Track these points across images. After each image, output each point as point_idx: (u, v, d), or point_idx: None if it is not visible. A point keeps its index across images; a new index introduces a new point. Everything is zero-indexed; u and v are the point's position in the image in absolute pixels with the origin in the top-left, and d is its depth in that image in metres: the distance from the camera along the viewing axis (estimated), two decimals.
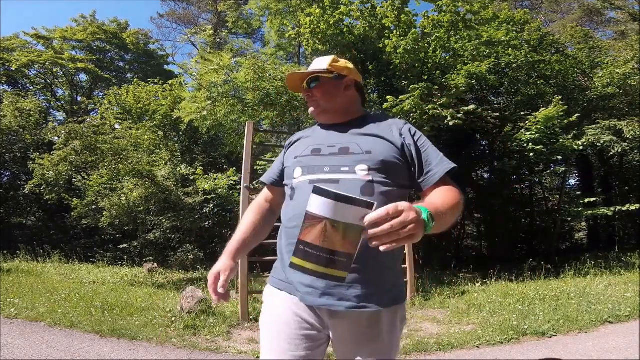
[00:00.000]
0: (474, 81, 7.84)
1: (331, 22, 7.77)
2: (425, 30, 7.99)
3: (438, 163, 1.12)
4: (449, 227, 0.97)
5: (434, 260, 9.34)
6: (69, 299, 4.80)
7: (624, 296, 4.62)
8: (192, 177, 9.85)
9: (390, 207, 0.78)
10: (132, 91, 11.04)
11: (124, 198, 10.10)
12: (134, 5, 34.86)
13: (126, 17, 28.84)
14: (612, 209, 7.99)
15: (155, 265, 9.81)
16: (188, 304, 4.11)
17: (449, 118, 6.82)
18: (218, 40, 17.11)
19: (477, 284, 6.02)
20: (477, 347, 3.36)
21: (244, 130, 5.13)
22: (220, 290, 1.07)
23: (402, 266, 5.19)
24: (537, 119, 7.37)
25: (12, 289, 5.36)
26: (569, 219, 9.85)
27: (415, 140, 1.17)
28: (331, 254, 0.83)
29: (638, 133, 7.75)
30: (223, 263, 1.13)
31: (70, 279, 7.56)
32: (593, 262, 7.06)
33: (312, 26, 7.84)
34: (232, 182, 9.23)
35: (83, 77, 18.76)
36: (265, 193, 1.37)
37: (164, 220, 10.38)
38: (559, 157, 8.05)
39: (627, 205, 7.98)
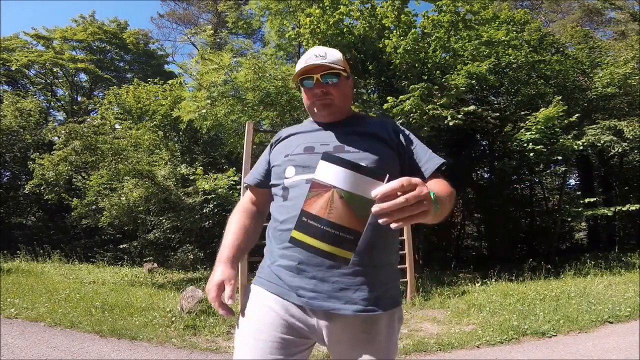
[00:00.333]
0: (474, 81, 7.84)
1: (331, 22, 7.77)
2: (425, 30, 7.99)
3: (428, 159, 1.13)
4: (445, 216, 0.95)
5: (434, 260, 9.34)
6: (69, 299, 4.80)
7: (624, 296, 4.62)
8: (192, 177, 9.84)
9: (403, 180, 0.73)
10: (132, 91, 11.04)
11: (124, 198, 10.10)
12: (134, 5, 34.91)
13: (126, 17, 28.91)
14: (612, 209, 7.99)
15: (155, 265, 9.82)
16: (188, 304, 4.11)
17: (449, 118, 6.83)
18: (218, 40, 17.12)
19: (477, 284, 6.02)
20: (477, 347, 3.36)
21: (244, 130, 5.13)
22: (229, 302, 0.98)
23: (402, 266, 5.21)
24: (537, 119, 7.37)
25: (12, 289, 5.36)
26: (569, 219, 9.85)
27: (406, 138, 1.17)
28: (337, 229, 0.76)
29: (638, 133, 7.75)
30: (224, 272, 1.04)
31: (70, 279, 7.56)
32: (593, 262, 7.07)
33: (312, 26, 7.84)
34: (232, 182, 9.23)
35: (83, 77, 18.79)
36: (249, 195, 1.28)
37: (164, 220, 10.38)
38: (559, 157, 8.05)
39: (627, 206, 7.98)
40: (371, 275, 1.00)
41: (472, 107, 7.40)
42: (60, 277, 7.69)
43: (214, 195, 9.30)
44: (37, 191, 9.48)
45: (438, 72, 7.95)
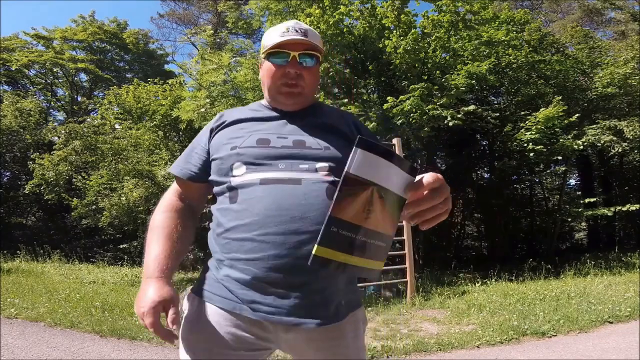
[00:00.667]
0: (474, 81, 7.84)
1: (331, 23, 7.77)
2: (425, 30, 7.99)
3: None
4: None
5: (434, 260, 9.33)
6: (69, 299, 4.80)
7: (624, 296, 4.62)
8: None
9: (435, 175, 0.66)
10: (132, 91, 11.04)
11: (124, 198, 10.10)
12: (134, 5, 34.95)
13: (126, 17, 28.93)
14: (612, 209, 7.99)
15: None
16: None
17: (449, 118, 6.83)
18: (218, 40, 17.10)
19: (477, 284, 6.02)
20: (477, 347, 3.35)
21: None
22: (174, 328, 0.84)
23: (403, 266, 5.22)
24: (537, 119, 7.37)
25: (12, 289, 5.36)
26: (569, 219, 9.87)
27: (363, 134, 1.04)
28: (373, 237, 0.62)
29: (638, 133, 7.76)
30: (160, 290, 0.84)
31: (70, 279, 7.56)
32: (593, 262, 7.06)
33: (312, 26, 7.84)
34: None
35: (83, 77, 18.79)
36: (177, 190, 1.05)
37: None
38: (559, 157, 8.06)
39: (627, 206, 7.98)
40: (333, 283, 0.89)
41: (472, 107, 7.40)
42: (60, 277, 7.68)
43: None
44: (37, 191, 9.49)
45: (438, 72, 7.95)
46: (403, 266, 5.21)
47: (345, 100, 8.30)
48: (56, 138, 12.08)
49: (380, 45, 7.88)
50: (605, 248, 10.31)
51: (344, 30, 8.19)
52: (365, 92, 8.96)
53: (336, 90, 9.12)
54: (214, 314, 0.91)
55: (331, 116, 1.04)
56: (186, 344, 0.95)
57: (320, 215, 0.83)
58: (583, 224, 13.43)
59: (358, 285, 1.06)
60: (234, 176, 0.92)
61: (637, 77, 8.46)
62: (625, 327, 3.76)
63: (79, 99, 18.37)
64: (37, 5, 32.26)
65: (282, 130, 0.97)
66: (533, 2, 16.37)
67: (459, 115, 6.91)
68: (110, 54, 19.11)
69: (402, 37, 7.54)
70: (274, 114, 1.01)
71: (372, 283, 5.43)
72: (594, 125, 8.06)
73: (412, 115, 6.95)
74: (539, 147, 7.28)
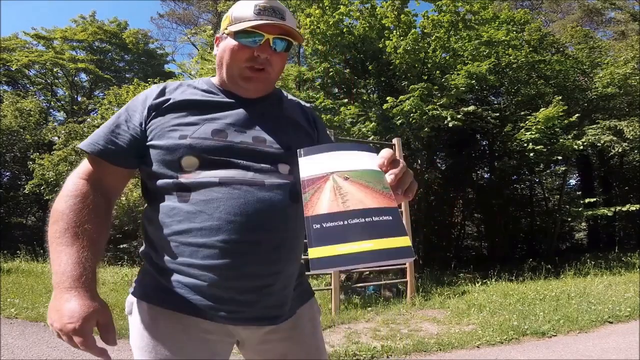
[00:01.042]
0: (474, 81, 7.86)
1: (331, 23, 7.78)
2: (425, 30, 8.00)
3: None
4: None
5: (434, 260, 9.34)
6: None
7: (624, 296, 4.62)
8: None
9: (387, 149, 0.70)
10: (132, 91, 11.05)
11: (123, 198, 10.09)
12: (134, 5, 34.96)
13: (126, 17, 28.94)
14: (612, 209, 8.01)
15: None
16: None
17: (449, 118, 6.84)
18: None
19: (477, 284, 6.02)
20: (477, 347, 3.35)
21: None
22: (108, 344, 0.76)
23: (403, 266, 5.22)
24: (537, 119, 7.38)
25: (12, 289, 5.36)
26: (569, 219, 9.87)
27: (320, 128, 1.02)
28: (366, 215, 0.58)
29: (638, 133, 7.77)
30: (87, 302, 0.74)
31: None
32: (593, 262, 7.07)
33: (312, 26, 7.85)
34: None
35: (83, 77, 18.78)
36: (88, 171, 0.84)
37: None
38: (559, 157, 8.07)
39: (627, 206, 7.99)
40: (288, 278, 0.86)
41: (472, 107, 7.41)
42: None
43: None
44: (37, 191, 9.49)
45: (438, 72, 7.96)
46: (403, 266, 5.21)
47: (345, 100, 8.30)
48: (56, 138, 12.08)
49: (380, 45, 7.88)
50: (605, 248, 10.32)
51: (344, 30, 8.20)
52: (365, 92, 8.96)
53: (336, 90, 9.12)
54: (170, 319, 0.82)
55: (293, 110, 0.97)
56: (147, 353, 0.83)
57: (285, 222, 0.81)
58: (583, 224, 13.44)
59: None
60: (184, 172, 0.80)
61: (637, 77, 8.47)
62: (625, 327, 3.76)
63: (79, 99, 18.36)
64: (37, 5, 32.33)
65: (240, 122, 0.86)
66: (533, 2, 16.37)
67: (459, 116, 6.92)
68: (110, 54, 19.12)
69: (402, 37, 7.55)
70: (231, 100, 0.89)
71: (372, 283, 5.44)
72: (594, 125, 8.07)
73: (412, 115, 6.95)
74: (539, 147, 7.28)
